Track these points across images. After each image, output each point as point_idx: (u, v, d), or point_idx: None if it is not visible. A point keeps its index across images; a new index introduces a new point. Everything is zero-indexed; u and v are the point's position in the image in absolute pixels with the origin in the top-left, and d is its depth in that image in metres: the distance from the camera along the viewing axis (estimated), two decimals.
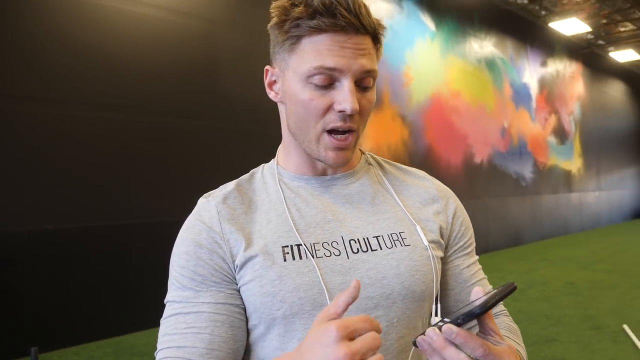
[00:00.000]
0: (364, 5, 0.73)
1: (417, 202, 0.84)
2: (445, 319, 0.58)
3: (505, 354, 0.57)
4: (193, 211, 0.80)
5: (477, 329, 0.62)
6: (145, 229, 4.46)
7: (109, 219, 4.25)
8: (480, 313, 0.53)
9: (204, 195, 0.82)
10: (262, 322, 0.73)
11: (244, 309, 0.75)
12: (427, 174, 0.91)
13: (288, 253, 0.74)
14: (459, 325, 0.55)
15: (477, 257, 0.90)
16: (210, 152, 5.01)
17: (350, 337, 0.52)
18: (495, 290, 0.57)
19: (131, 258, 4.37)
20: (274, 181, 0.82)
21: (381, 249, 0.77)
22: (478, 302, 0.56)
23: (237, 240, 0.75)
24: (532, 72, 10.79)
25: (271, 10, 0.75)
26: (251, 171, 0.87)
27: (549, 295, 5.39)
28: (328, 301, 0.71)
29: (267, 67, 0.81)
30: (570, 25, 10.59)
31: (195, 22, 4.96)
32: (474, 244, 0.90)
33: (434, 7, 8.06)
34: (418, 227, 0.80)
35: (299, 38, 0.72)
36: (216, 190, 0.82)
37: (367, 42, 0.73)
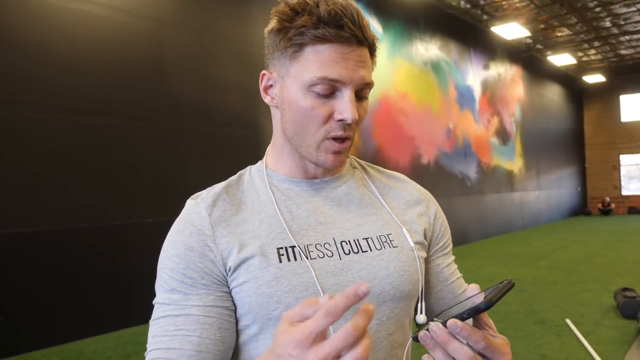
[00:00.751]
0: (365, 17, 0.75)
1: (401, 204, 0.88)
2: (443, 316, 0.61)
3: (502, 346, 0.60)
4: (182, 213, 0.80)
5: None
6: (88, 233, 4.23)
7: (54, 223, 4.00)
8: (486, 309, 0.55)
9: (192, 196, 0.82)
10: (256, 322, 0.74)
11: (234, 311, 0.76)
12: (407, 178, 0.94)
13: (283, 255, 0.75)
14: (463, 319, 0.57)
15: (454, 257, 0.94)
16: (158, 154, 4.83)
17: (317, 340, 0.48)
18: (494, 287, 0.58)
19: (77, 263, 4.13)
20: (263, 183, 0.84)
21: (371, 250, 0.80)
22: (479, 299, 0.58)
23: (229, 242, 0.76)
24: (475, 75, 11.10)
25: (271, 15, 0.77)
26: (238, 173, 0.87)
27: None
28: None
29: (264, 71, 0.81)
30: (511, 30, 10.97)
31: (141, 21, 4.78)
32: (452, 245, 0.94)
33: (381, 10, 8.13)
34: (404, 229, 0.84)
35: (302, 46, 0.73)
36: (204, 192, 0.82)
37: (366, 54, 0.76)
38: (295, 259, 0.75)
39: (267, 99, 0.82)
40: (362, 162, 0.93)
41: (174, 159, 4.96)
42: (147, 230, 4.61)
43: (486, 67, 11.62)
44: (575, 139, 17.63)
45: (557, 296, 5.20)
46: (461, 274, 0.94)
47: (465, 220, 10.26)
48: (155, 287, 0.77)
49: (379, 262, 0.78)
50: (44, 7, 4.07)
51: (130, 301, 4.42)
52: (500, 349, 0.60)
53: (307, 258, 0.75)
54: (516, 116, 13.09)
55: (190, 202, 0.80)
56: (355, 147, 7.39)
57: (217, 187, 0.82)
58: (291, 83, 0.75)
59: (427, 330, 0.58)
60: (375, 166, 0.94)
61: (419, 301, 0.83)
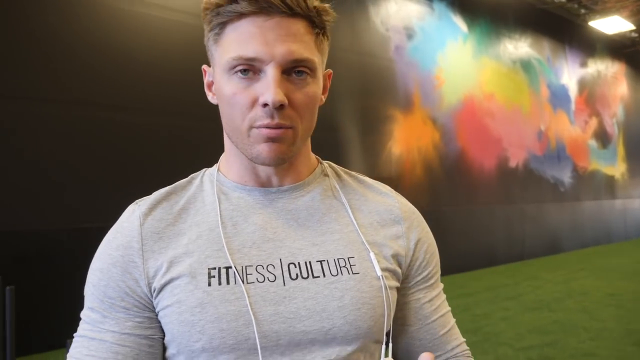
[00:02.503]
0: None
1: (374, 221, 0.74)
2: None
3: None
4: (118, 220, 0.72)
5: None
6: None
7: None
8: None
9: (136, 200, 0.74)
10: (180, 353, 0.65)
11: (156, 339, 0.67)
12: (393, 191, 0.80)
13: (214, 277, 0.65)
14: None
15: (441, 287, 0.80)
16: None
17: None
18: None
19: None
20: (212, 190, 0.73)
21: (324, 275, 0.67)
22: None
23: (158, 259, 0.67)
24: (570, 73, 10.41)
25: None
26: (190, 176, 0.77)
27: (589, 306, 5.10)
28: (256, 334, 0.62)
29: (204, 66, 0.74)
30: (613, 24, 10.17)
31: None
32: (439, 272, 0.80)
33: (466, 8, 7.87)
34: (371, 253, 0.70)
35: (222, 27, 0.65)
36: (148, 197, 0.73)
37: (298, 26, 0.64)
38: (228, 283, 0.64)
39: (209, 96, 0.73)
40: (338, 168, 0.80)
41: None
42: None
43: (583, 64, 10.85)
44: None
45: None
46: (449, 308, 0.79)
47: (557, 229, 9.62)
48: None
49: (332, 291, 0.66)
50: (132, 18, 4.36)
51: None
52: None
53: (243, 281, 0.64)
54: (618, 117, 12.09)
55: (129, 208, 0.73)
56: (437, 149, 7.19)
57: (162, 190, 0.74)
58: (217, 71, 0.68)
59: None
60: (354, 174, 0.80)
61: (384, 342, 0.69)
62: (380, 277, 0.69)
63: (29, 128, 3.82)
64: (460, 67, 7.75)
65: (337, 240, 0.70)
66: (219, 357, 0.63)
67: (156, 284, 0.66)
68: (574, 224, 10.17)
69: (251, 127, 0.65)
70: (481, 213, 7.83)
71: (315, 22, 0.66)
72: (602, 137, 11.44)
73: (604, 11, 10.05)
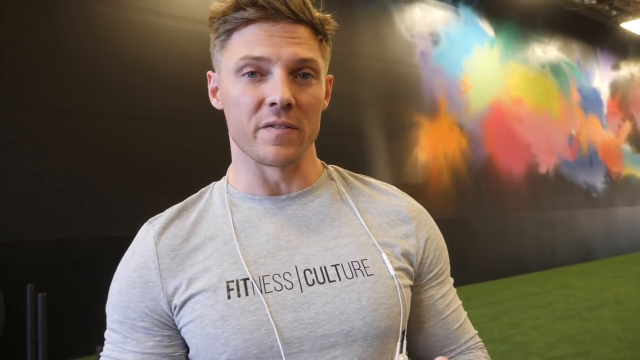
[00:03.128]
0: None
1: (383, 222, 0.76)
2: None
3: None
4: (134, 240, 0.74)
5: None
6: None
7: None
8: None
9: (149, 220, 0.75)
10: None
11: (177, 357, 0.69)
12: (399, 191, 0.81)
13: (233, 289, 0.66)
14: None
15: (452, 282, 0.81)
16: None
17: None
18: None
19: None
20: (222, 203, 0.74)
21: (340, 279, 0.69)
22: None
23: (176, 277, 0.68)
24: (602, 77, 10.18)
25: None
26: (200, 190, 0.79)
27: (623, 315, 4.96)
28: (279, 342, 0.64)
29: (209, 72, 0.76)
30: None
31: None
32: (449, 268, 0.81)
33: (492, 13, 7.80)
34: (383, 254, 0.72)
35: (228, 34, 0.68)
36: (160, 214, 0.75)
37: (302, 31, 0.67)
38: (247, 294, 0.66)
39: (213, 102, 0.76)
40: (343, 171, 0.82)
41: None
42: None
43: (616, 67, 10.60)
44: None
45: None
46: (460, 302, 0.81)
47: (590, 235, 9.39)
48: None
49: (349, 294, 0.68)
50: (158, 30, 4.48)
51: None
52: None
53: (261, 292, 0.66)
54: None
55: (143, 228, 0.74)
56: (464, 155, 7.13)
57: (174, 208, 0.75)
58: (224, 75, 0.70)
59: None
60: (360, 176, 0.82)
61: (399, 340, 0.70)
62: (394, 277, 0.70)
63: (58, 139, 3.94)
64: (487, 72, 7.68)
65: (349, 243, 0.72)
66: None
67: (176, 301, 0.67)
68: (608, 231, 9.91)
69: (258, 128, 0.67)
70: (510, 220, 7.71)
71: (319, 29, 0.69)
72: (637, 141, 11.14)
73: (637, 12, 9.82)
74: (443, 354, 0.77)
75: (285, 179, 0.73)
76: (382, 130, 6.11)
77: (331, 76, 0.77)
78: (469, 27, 7.49)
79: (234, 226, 0.71)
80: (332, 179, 0.79)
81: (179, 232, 0.72)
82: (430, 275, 0.77)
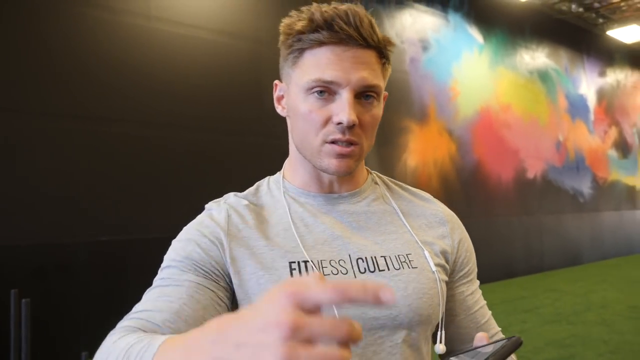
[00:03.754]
0: (368, 19, 0.74)
1: (423, 224, 0.84)
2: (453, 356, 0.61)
3: None
4: (202, 213, 0.80)
5: None
6: None
7: (159, 232, 4.34)
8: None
9: (212, 201, 0.82)
10: None
11: (225, 305, 0.72)
12: (432, 197, 0.90)
13: (295, 269, 0.73)
14: None
15: (478, 283, 0.89)
16: (257, 168, 5.04)
17: (306, 339, 0.33)
18: (502, 342, 0.59)
19: (129, 275, 4.43)
20: (280, 195, 0.82)
21: (389, 269, 0.76)
22: (488, 349, 0.59)
23: (241, 247, 0.75)
24: (589, 83, 10.31)
25: (279, 28, 0.78)
26: (256, 184, 0.86)
27: (609, 319, 5.02)
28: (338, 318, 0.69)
29: (276, 81, 0.83)
30: (632, 33, 10.07)
31: (241, 42, 5.06)
32: (476, 270, 0.89)
33: (481, 19, 7.87)
34: (425, 251, 0.79)
35: (301, 51, 0.74)
36: (221, 199, 0.82)
37: (369, 55, 0.74)
38: (308, 275, 0.70)
39: (279, 109, 0.83)
40: (384, 177, 0.90)
41: (273, 172, 5.14)
42: None
43: (602, 74, 10.74)
44: None
45: None
46: (485, 302, 0.88)
47: (577, 240, 9.48)
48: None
49: (397, 283, 0.74)
50: (148, 34, 4.47)
51: None
52: None
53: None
54: (638, 126, 11.91)
55: (211, 204, 0.81)
56: (453, 161, 7.18)
57: (237, 195, 0.82)
58: (294, 90, 0.76)
59: None
60: (399, 182, 0.90)
61: (439, 329, 0.78)
62: (435, 272, 0.78)
63: (45, 142, 3.92)
64: (476, 79, 7.74)
65: (394, 239, 0.79)
66: None
67: (237, 268, 0.73)
68: (594, 235, 10.01)
69: (324, 142, 0.74)
70: (499, 225, 7.77)
71: (383, 53, 0.76)
72: (622, 147, 11.27)
73: (622, 20, 9.96)
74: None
75: (338, 181, 0.81)
76: None
77: (386, 93, 0.83)
78: (459, 34, 7.56)
79: (291, 216, 0.78)
80: (376, 183, 0.87)
81: (245, 214, 0.78)
82: (461, 273, 0.85)
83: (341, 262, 0.75)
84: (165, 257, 0.75)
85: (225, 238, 0.75)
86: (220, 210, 0.78)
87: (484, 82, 7.88)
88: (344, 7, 0.73)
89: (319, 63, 0.72)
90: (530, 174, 8.56)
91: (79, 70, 4.07)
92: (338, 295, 0.34)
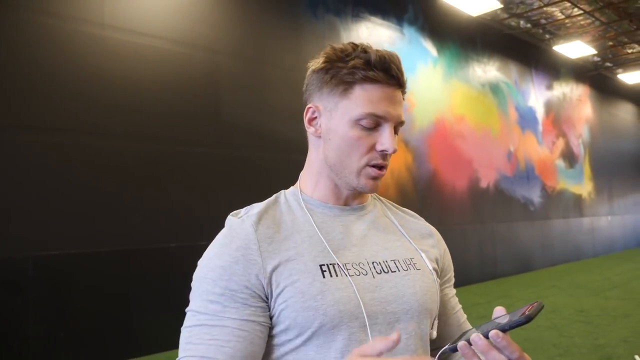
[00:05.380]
0: (401, 64, 0.87)
1: (417, 235, 0.97)
2: (477, 329, 0.68)
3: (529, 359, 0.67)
4: (226, 228, 0.85)
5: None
6: (145, 255, 4.41)
7: (111, 245, 4.21)
8: (526, 322, 0.62)
9: (232, 213, 0.88)
10: (301, 335, 0.79)
11: (266, 327, 0.80)
12: (417, 215, 1.04)
13: (326, 271, 0.81)
14: (504, 331, 0.63)
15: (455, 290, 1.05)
16: (212, 180, 4.99)
17: None
18: (522, 308, 0.65)
19: (131, 284, 4.31)
20: (299, 206, 0.90)
21: (399, 270, 0.87)
22: (505, 319, 0.66)
23: (274, 259, 0.80)
24: (537, 96, 10.73)
25: (320, 56, 0.87)
26: (274, 195, 0.94)
27: (558, 323, 5.20)
28: (364, 314, 0.80)
29: (310, 105, 0.90)
30: (576, 48, 10.57)
31: (199, 52, 5.01)
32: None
33: (435, 33, 8.09)
34: (424, 255, 0.92)
35: (352, 84, 0.83)
36: (242, 210, 0.88)
37: (400, 94, 0.87)
38: (337, 275, 0.81)
39: (310, 130, 0.91)
40: (379, 196, 1.03)
41: (229, 184, 5.10)
42: (200, 252, 4.73)
43: (549, 87, 11.21)
44: None
45: (626, 330, 4.83)
46: (460, 306, 1.03)
47: (528, 247, 9.80)
48: (191, 295, 0.81)
49: (407, 282, 0.86)
50: (103, 42, 4.37)
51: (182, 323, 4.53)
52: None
53: (346, 275, 0.82)
54: (584, 137, 12.48)
55: (233, 219, 0.86)
56: (410, 171, 7.31)
57: (257, 206, 0.89)
58: (339, 116, 0.85)
59: (467, 341, 0.65)
60: (390, 201, 1.04)
61: (434, 318, 0.91)
62: (432, 272, 0.92)
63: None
64: (431, 91, 7.93)
65: (399, 246, 0.92)
66: (336, 334, 0.78)
67: (275, 279, 0.79)
68: (544, 242, 10.37)
69: (366, 165, 0.86)
70: (454, 233, 7.93)
71: (404, 91, 0.89)
72: (569, 157, 11.76)
73: (567, 36, 10.45)
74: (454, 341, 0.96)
75: (352, 197, 0.93)
76: None
77: None
78: (413, 47, 7.74)
79: (315, 224, 0.87)
80: (376, 199, 1.00)
81: (270, 224, 0.85)
82: (446, 278, 0.99)
83: (361, 265, 0.85)
84: (201, 284, 0.80)
85: (259, 255, 0.80)
86: (245, 226, 0.83)
87: (438, 94, 8.07)
88: (389, 51, 0.85)
89: (370, 98, 0.83)
90: (483, 183, 8.81)
91: (24, 79, 3.93)
92: (387, 349, 0.60)
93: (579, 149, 12.19)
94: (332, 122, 0.86)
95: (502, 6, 8.21)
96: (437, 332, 0.93)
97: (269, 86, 5.58)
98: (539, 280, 8.38)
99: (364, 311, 0.80)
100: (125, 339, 4.27)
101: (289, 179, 0.98)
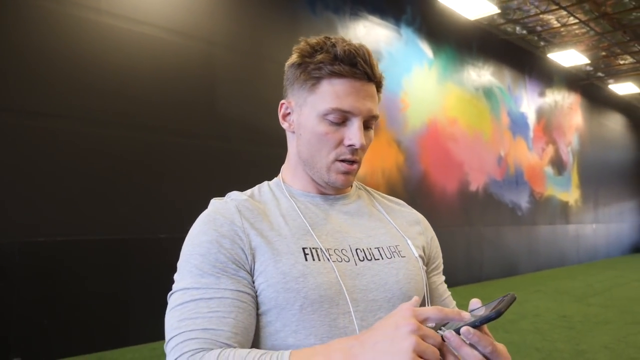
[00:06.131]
0: (374, 58, 0.86)
1: (403, 222, 0.97)
2: (449, 326, 0.67)
3: (504, 351, 0.67)
4: (208, 209, 0.85)
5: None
6: (132, 245, 4.39)
7: (101, 233, 4.18)
8: (496, 317, 0.63)
9: (215, 198, 0.88)
10: (279, 318, 0.78)
11: (254, 298, 0.79)
12: (404, 203, 1.04)
13: (308, 254, 0.81)
14: (475, 327, 0.64)
15: (444, 277, 1.04)
16: (205, 170, 4.98)
17: (422, 338, 0.59)
18: (496, 301, 0.66)
19: (117, 273, 4.29)
20: (283, 194, 0.91)
21: (382, 258, 0.87)
22: (481, 311, 0.66)
23: (256, 238, 0.81)
24: (530, 102, 10.82)
25: (293, 51, 0.87)
26: (257, 186, 0.95)
27: (541, 327, 5.26)
28: (348, 299, 0.79)
29: (283, 100, 0.91)
30: (569, 57, 10.66)
31: (195, 42, 4.98)
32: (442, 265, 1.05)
33: (432, 35, 8.11)
34: (409, 241, 0.92)
35: (319, 79, 0.84)
36: (226, 196, 0.89)
37: (373, 89, 0.87)
38: (320, 259, 0.81)
39: (284, 125, 0.92)
40: (365, 186, 1.03)
41: (221, 176, 5.09)
42: None
43: (542, 94, 11.31)
44: (638, 170, 16.73)
45: (608, 337, 4.91)
46: (450, 292, 1.02)
47: (514, 251, 9.90)
48: (177, 277, 0.79)
49: (390, 270, 0.86)
50: (100, 28, 4.33)
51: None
52: (504, 353, 0.66)
53: (328, 260, 0.81)
54: (573, 145, 12.61)
55: (216, 201, 0.87)
56: (400, 171, 7.34)
57: (241, 193, 0.90)
58: (308, 111, 0.86)
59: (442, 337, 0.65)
60: (376, 191, 1.03)
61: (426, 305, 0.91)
62: (419, 260, 0.91)
63: None
64: (425, 92, 7.96)
65: (384, 233, 0.92)
66: (314, 319, 0.77)
67: (259, 258, 0.79)
68: (530, 248, 10.47)
69: (335, 160, 0.86)
70: (443, 235, 7.85)
71: (379, 86, 0.89)
72: (558, 165, 11.88)
73: (562, 44, 10.54)
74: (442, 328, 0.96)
75: (332, 188, 0.93)
76: None
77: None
78: (410, 48, 7.76)
79: (298, 209, 0.87)
80: (360, 189, 1.01)
81: (253, 208, 0.86)
82: (434, 265, 0.99)
83: (343, 251, 0.84)
84: (189, 261, 0.79)
85: (243, 231, 0.81)
86: (229, 207, 0.84)
87: (432, 96, 8.11)
88: (357, 45, 0.84)
89: (337, 93, 0.83)
90: (473, 187, 8.87)
91: (18, 63, 3.88)
92: (439, 315, 0.63)
93: (568, 156, 12.31)
94: (302, 117, 0.87)
95: (499, 11, 8.26)
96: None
97: (264, 81, 5.56)
98: (524, 285, 8.46)
99: (347, 297, 0.79)
100: (110, 329, 4.24)
101: (274, 172, 1.01)
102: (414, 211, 1.02)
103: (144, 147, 4.57)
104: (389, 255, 0.87)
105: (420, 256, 0.92)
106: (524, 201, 10.38)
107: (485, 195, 9.18)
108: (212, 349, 0.70)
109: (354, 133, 0.83)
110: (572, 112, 12.64)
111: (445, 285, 1.02)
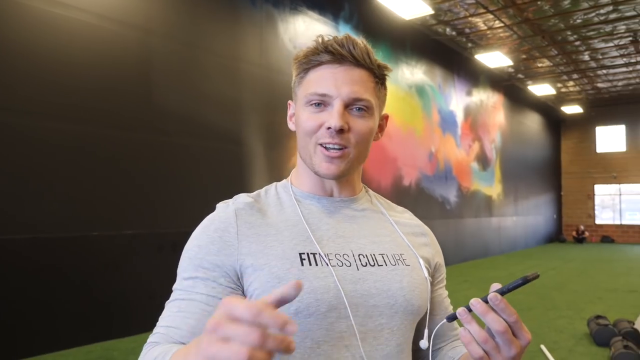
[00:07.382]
0: (364, 44, 0.86)
1: (409, 232, 0.95)
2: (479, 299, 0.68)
3: (524, 326, 0.68)
4: (211, 214, 0.87)
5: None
6: (66, 242, 4.16)
7: (25, 232, 3.92)
8: (522, 284, 0.64)
9: (222, 201, 0.88)
10: None
11: None
12: (410, 212, 1.04)
13: (305, 259, 0.80)
14: (502, 294, 0.65)
15: None
16: (140, 164, 4.79)
17: (223, 337, 0.45)
18: (518, 280, 0.66)
19: (52, 273, 4.05)
20: (288, 197, 0.90)
21: (386, 265, 0.85)
22: (499, 287, 0.67)
23: (252, 244, 0.81)
24: (458, 100, 11.30)
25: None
26: (264, 187, 0.94)
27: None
28: (346, 303, 0.79)
29: (290, 101, 0.93)
30: (494, 59, 11.23)
31: (130, 30, 4.77)
32: None
33: (369, 33, 8.25)
34: (415, 251, 0.91)
35: (306, 72, 0.86)
36: (232, 199, 0.89)
37: (362, 74, 0.85)
38: (317, 264, 0.80)
39: (290, 125, 0.93)
40: (375, 193, 1.02)
41: (157, 170, 4.93)
42: (126, 241, 4.55)
43: (469, 93, 11.85)
44: (552, 167, 18.00)
45: (531, 322, 5.26)
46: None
47: (443, 244, 10.03)
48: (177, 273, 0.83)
49: (393, 276, 0.84)
50: (29, 12, 4.05)
51: (105, 315, 4.34)
52: (524, 327, 0.68)
53: (327, 264, 0.81)
54: (496, 142, 13.33)
55: (220, 205, 0.88)
56: None
57: (247, 195, 0.90)
58: (298, 105, 0.88)
59: (466, 307, 0.67)
60: (385, 199, 1.03)
61: (424, 326, 0.89)
62: (424, 270, 0.90)
63: None
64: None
65: (389, 241, 0.90)
66: (311, 323, 0.77)
67: (250, 262, 0.79)
68: (457, 240, 10.98)
69: (316, 145, 0.84)
70: None
71: (376, 74, 0.87)
72: (483, 161, 12.52)
73: (488, 46, 11.09)
74: (444, 339, 0.96)
75: (337, 187, 0.91)
76: (262, 137, 6.15)
77: (387, 114, 0.95)
78: None
79: (302, 214, 0.87)
80: (369, 194, 0.99)
81: (255, 212, 0.86)
82: (439, 278, 0.98)
83: (345, 256, 0.83)
84: (181, 264, 0.82)
85: (236, 237, 0.81)
86: (228, 211, 0.85)
87: None
88: (343, 35, 0.86)
89: (317, 80, 0.84)
90: (406, 182, 9.16)
91: None
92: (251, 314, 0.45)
93: (491, 153, 13.00)
94: (297, 112, 0.89)
95: (432, 12, 8.55)
96: (430, 329, 0.91)
97: (202, 72, 5.44)
98: (451, 276, 8.85)
99: (345, 302, 0.78)
100: (53, 329, 4.01)
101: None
102: (421, 223, 1.01)
103: (74, 139, 4.33)
104: (393, 263, 0.86)
105: (425, 267, 0.91)
106: (452, 195, 10.85)
107: (418, 189, 9.50)
108: (163, 344, 0.73)
109: (331, 114, 0.82)
110: (496, 111, 13.34)
111: (449, 300, 1.00)
